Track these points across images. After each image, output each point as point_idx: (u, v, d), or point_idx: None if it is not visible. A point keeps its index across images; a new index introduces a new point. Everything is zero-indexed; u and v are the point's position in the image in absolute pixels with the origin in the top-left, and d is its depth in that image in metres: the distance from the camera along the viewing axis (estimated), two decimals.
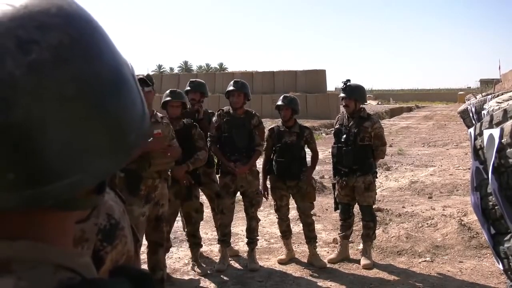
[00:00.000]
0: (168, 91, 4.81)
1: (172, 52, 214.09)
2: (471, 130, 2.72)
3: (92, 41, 0.57)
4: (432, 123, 26.63)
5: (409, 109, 43.44)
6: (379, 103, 52.97)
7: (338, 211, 5.41)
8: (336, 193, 5.34)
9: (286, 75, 31.11)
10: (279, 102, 5.16)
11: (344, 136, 5.12)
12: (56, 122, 0.53)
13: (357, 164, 5.05)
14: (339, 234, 5.38)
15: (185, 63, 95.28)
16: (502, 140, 1.92)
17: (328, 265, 5.12)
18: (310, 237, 5.22)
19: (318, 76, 30.44)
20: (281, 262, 5.22)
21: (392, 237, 5.78)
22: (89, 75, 0.55)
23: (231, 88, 5.02)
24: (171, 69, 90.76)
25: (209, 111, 5.47)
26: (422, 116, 33.88)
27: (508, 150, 1.88)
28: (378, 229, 5.82)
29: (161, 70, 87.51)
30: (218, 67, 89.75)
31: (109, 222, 1.05)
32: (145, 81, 4.01)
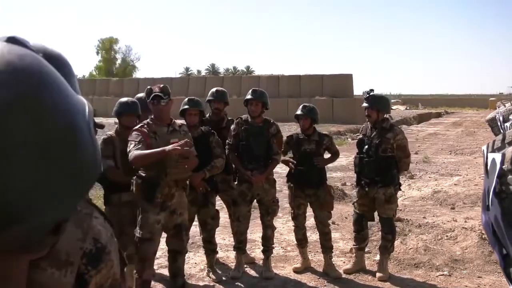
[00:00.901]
0: (186, 99, 4.88)
1: (200, 55, 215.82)
2: (484, 147, 2.67)
3: (43, 95, 0.59)
4: (461, 130, 26.15)
5: (438, 115, 42.74)
6: (407, 108, 52.27)
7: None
8: (354, 202, 5.30)
9: (312, 79, 31.07)
10: (298, 112, 5.16)
11: (366, 146, 5.07)
12: (6, 174, 0.56)
13: (379, 176, 4.98)
14: (354, 245, 5.33)
15: (212, 65, 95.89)
16: (503, 166, 1.88)
17: (344, 276, 5.08)
18: (326, 247, 5.20)
19: (345, 81, 30.29)
20: (296, 271, 5.21)
21: (410, 248, 5.71)
22: (39, 129, 0.58)
23: (249, 96, 5.05)
24: (199, 71, 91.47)
25: (229, 118, 5.51)
26: (451, 122, 33.30)
27: (509, 176, 1.84)
28: (397, 239, 5.76)
29: (189, 72, 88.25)
30: (245, 70, 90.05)
31: (95, 246, 1.08)
32: (159, 96, 4.06)
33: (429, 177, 11.00)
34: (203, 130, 4.87)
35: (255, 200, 5.17)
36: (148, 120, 4.15)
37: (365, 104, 5.08)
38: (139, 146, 3.89)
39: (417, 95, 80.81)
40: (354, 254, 5.33)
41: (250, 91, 5.13)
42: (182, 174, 4.20)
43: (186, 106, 4.79)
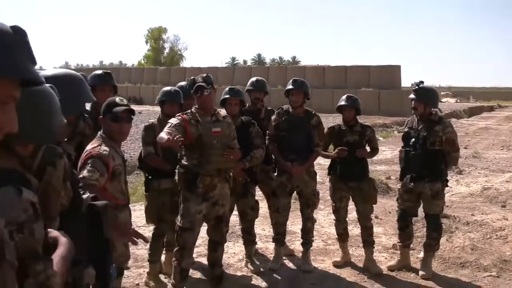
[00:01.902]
0: (227, 89, 4.82)
1: (246, 45, 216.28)
2: None
3: None
4: None
5: (490, 109, 41.11)
6: (458, 101, 50.54)
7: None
8: (398, 198, 5.11)
9: (359, 70, 30.45)
10: (342, 103, 5.04)
11: (413, 139, 4.87)
12: None
13: (426, 170, 4.77)
14: (398, 243, 5.16)
15: (258, 56, 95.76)
16: None
17: (385, 272, 4.94)
18: (368, 242, 5.07)
19: (393, 72, 29.53)
20: (336, 265, 5.11)
21: (456, 247, 5.48)
22: None
23: (290, 87, 4.94)
24: (245, 61, 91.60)
25: (268, 108, 5.43)
26: (504, 116, 31.95)
27: None
28: (443, 237, 5.57)
29: (235, 62, 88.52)
30: (290, 61, 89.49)
31: None
32: (202, 86, 3.99)
33: (479, 173, 10.57)
34: (243, 120, 4.81)
35: (295, 192, 5.10)
36: (192, 109, 4.11)
37: (412, 96, 4.87)
38: (173, 129, 3.85)
39: (468, 88, 78.03)
40: (400, 252, 5.16)
41: (291, 81, 5.02)
42: (225, 164, 4.13)
43: (227, 96, 4.73)
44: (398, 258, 5.11)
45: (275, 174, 5.10)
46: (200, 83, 3.99)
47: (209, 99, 4.06)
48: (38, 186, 1.77)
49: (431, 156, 4.77)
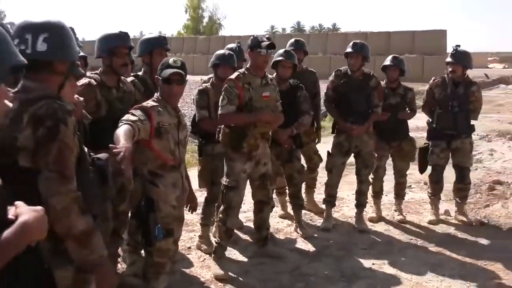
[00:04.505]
0: (281, 51, 4.63)
1: (285, 13, 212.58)
2: None
3: None
4: None
5: None
6: (506, 66, 48.43)
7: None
8: (433, 156, 5.20)
9: (402, 35, 29.55)
10: (387, 62, 5.18)
11: (455, 101, 5.04)
12: None
13: (464, 127, 5.08)
14: (430, 195, 5.35)
15: (298, 23, 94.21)
16: None
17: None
18: (400, 195, 5.42)
19: (438, 37, 28.51)
20: (371, 220, 5.27)
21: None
22: None
23: (349, 50, 4.96)
24: (283, 29, 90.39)
25: (310, 69, 5.42)
26: None
27: None
28: (497, 203, 5.56)
29: (274, 30, 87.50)
30: (331, 27, 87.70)
31: None
32: (274, 45, 3.99)
33: None
34: (291, 83, 4.71)
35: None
36: (243, 70, 4.04)
37: (449, 60, 5.07)
38: (232, 105, 3.83)
39: None
40: (432, 204, 5.34)
41: (351, 43, 5.05)
42: (269, 128, 4.12)
43: (281, 58, 4.56)
44: (434, 211, 5.28)
45: (333, 134, 5.16)
46: (272, 42, 3.96)
47: (271, 60, 4.05)
48: (52, 145, 1.77)
49: (467, 114, 5.09)
